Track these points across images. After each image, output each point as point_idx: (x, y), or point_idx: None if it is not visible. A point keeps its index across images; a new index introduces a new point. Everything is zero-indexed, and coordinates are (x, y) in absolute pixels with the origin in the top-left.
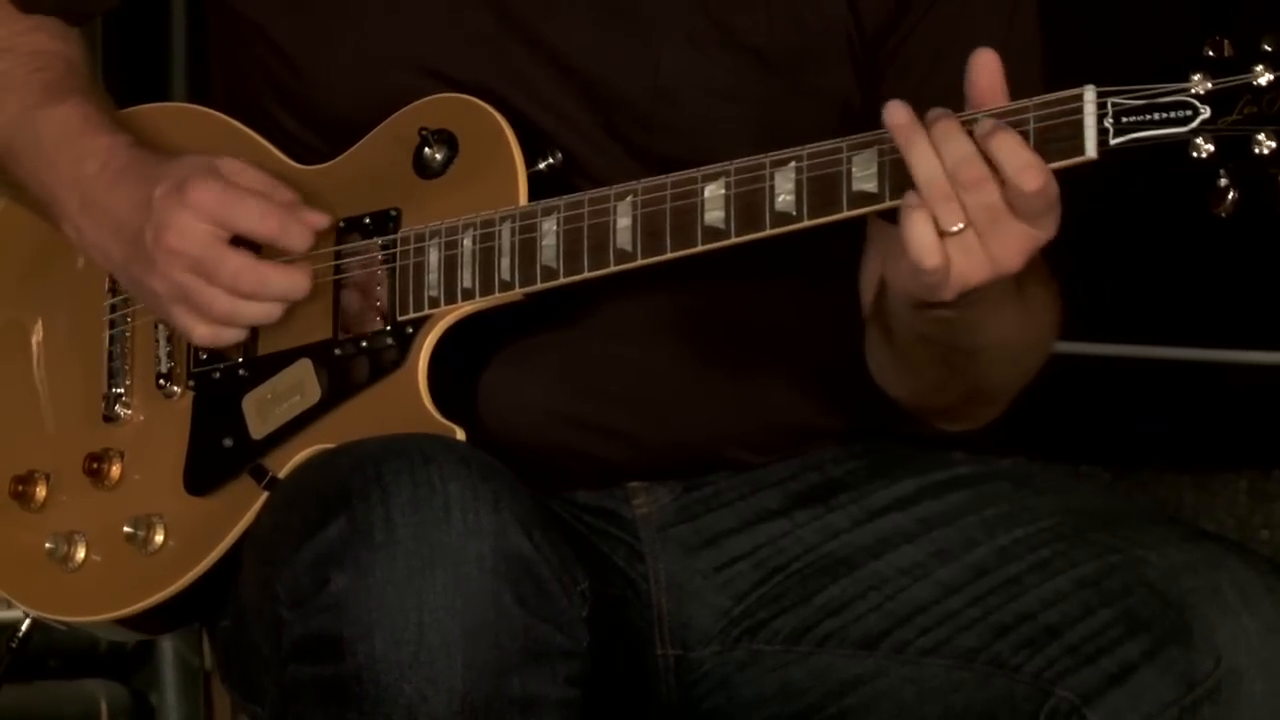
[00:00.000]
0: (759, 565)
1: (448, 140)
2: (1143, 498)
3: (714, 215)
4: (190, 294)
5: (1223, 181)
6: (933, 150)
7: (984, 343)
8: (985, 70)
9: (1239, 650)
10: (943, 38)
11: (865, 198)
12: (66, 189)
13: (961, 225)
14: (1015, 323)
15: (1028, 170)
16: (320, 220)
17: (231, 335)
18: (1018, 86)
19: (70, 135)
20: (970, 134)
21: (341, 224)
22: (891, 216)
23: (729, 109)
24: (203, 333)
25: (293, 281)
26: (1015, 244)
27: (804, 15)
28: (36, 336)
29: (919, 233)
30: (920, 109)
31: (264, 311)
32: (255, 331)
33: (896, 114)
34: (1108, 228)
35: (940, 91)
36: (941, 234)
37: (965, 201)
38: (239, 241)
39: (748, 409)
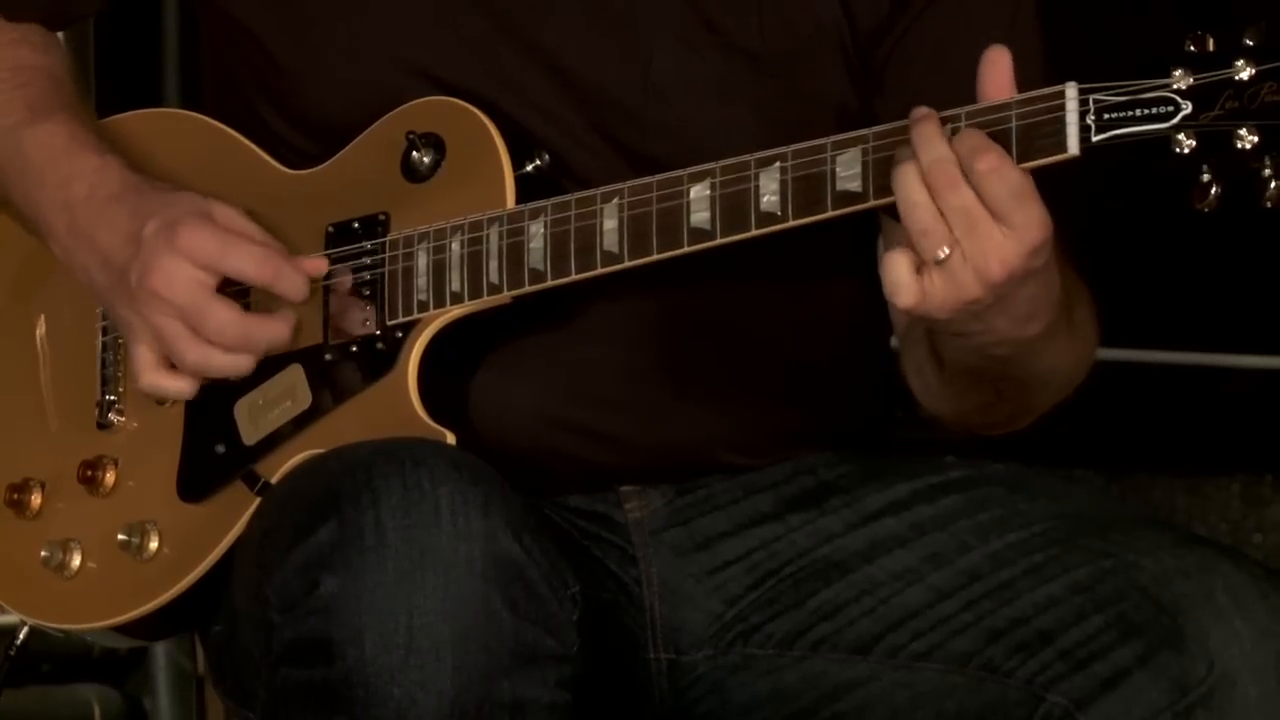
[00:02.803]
0: (752, 569)
1: (435, 144)
2: (1136, 502)
3: (700, 216)
4: (166, 339)
5: (1205, 177)
6: (919, 178)
7: (1036, 374)
8: (997, 67)
9: (1232, 655)
10: (943, 37)
11: (850, 197)
12: (54, 210)
13: (946, 251)
14: (1067, 349)
15: (977, 153)
16: (319, 266)
17: (184, 387)
18: (1020, 86)
19: (56, 154)
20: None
21: (330, 228)
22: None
23: (721, 110)
24: (149, 380)
25: (275, 333)
26: (996, 251)
27: (796, 17)
28: (30, 344)
29: (894, 270)
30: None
31: (233, 363)
32: None
33: (899, 152)
34: (1099, 232)
35: (942, 90)
36: (927, 263)
37: (942, 207)
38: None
39: (737, 411)
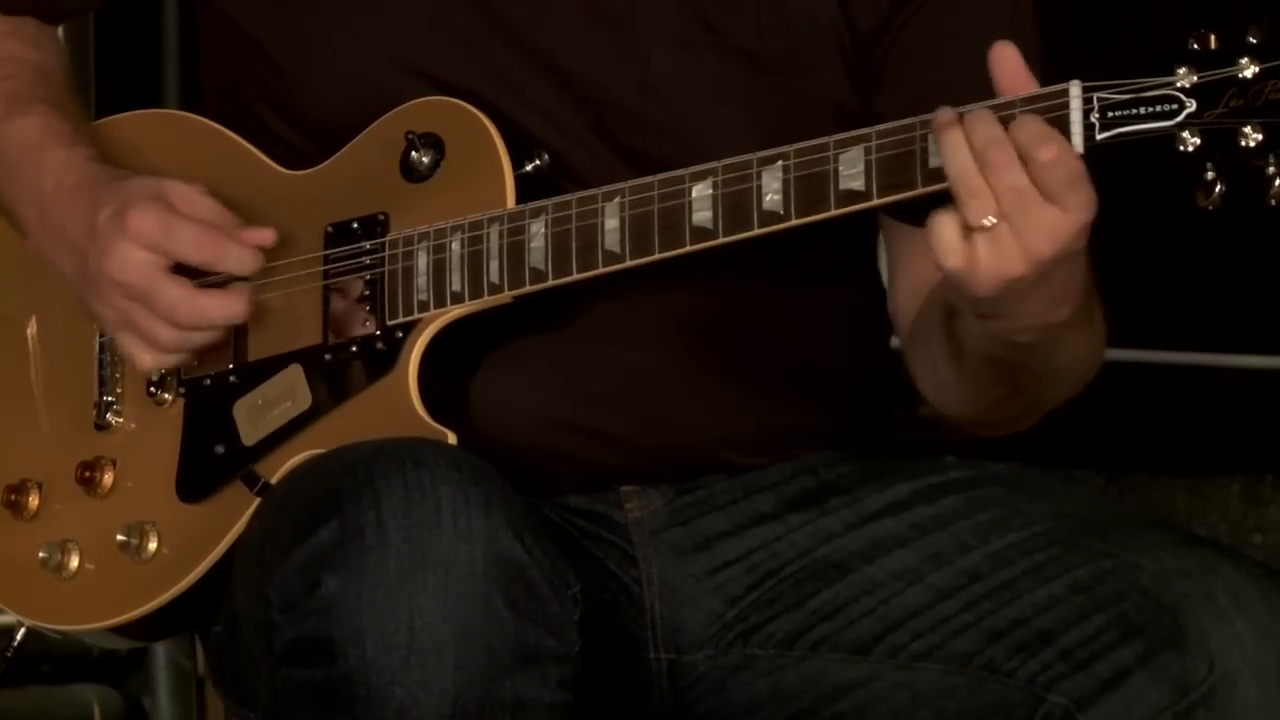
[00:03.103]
0: (752, 569)
1: (434, 144)
2: (1135, 502)
3: (702, 215)
4: (135, 322)
5: (1209, 175)
6: (965, 141)
7: (1056, 365)
8: (1005, 64)
9: (1233, 656)
10: (941, 34)
11: (852, 196)
12: (27, 204)
13: (993, 220)
14: (1085, 342)
15: (1041, 142)
16: (264, 237)
17: (175, 360)
18: None
19: (30, 148)
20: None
21: (330, 229)
22: (911, 218)
23: (719, 110)
24: (146, 360)
25: (230, 308)
26: (1046, 228)
27: (794, 17)
28: (28, 344)
29: (942, 233)
30: (921, 107)
31: (206, 339)
32: (245, 338)
33: (941, 114)
34: (1101, 231)
35: (941, 88)
36: (971, 229)
37: (994, 185)
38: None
39: (737, 411)
